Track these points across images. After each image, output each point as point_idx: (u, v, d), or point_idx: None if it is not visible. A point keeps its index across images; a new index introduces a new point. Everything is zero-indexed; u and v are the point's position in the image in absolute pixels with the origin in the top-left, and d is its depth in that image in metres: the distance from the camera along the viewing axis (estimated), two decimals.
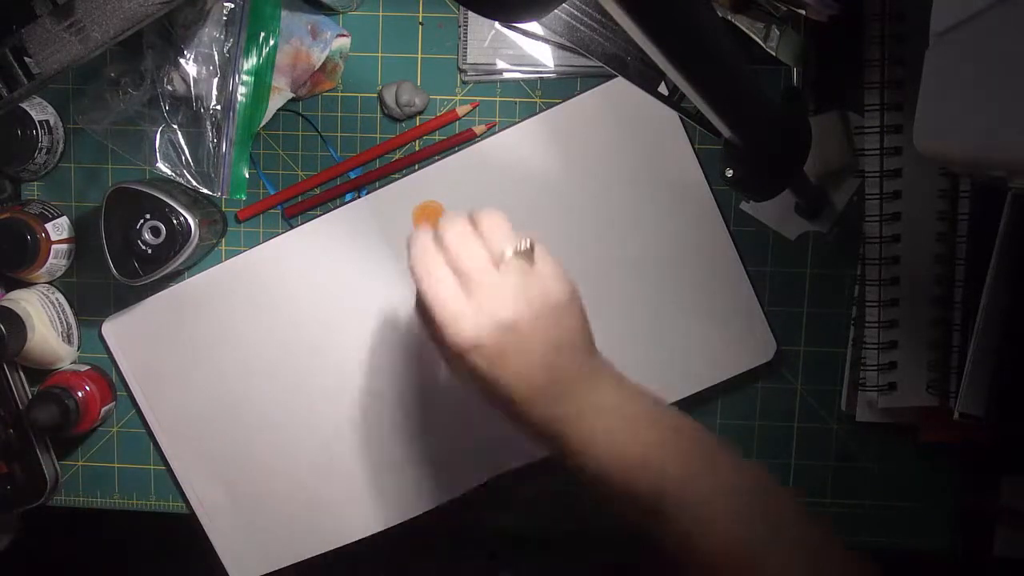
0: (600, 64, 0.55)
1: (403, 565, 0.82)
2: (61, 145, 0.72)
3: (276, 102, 0.70)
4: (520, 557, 0.80)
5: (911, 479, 0.70)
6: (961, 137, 0.47)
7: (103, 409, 0.72)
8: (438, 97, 0.70)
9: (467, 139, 0.70)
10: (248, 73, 0.68)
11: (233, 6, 0.68)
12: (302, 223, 0.71)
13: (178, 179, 0.68)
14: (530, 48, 0.69)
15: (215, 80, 0.68)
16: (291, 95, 0.70)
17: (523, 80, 0.70)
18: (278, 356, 0.71)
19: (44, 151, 0.70)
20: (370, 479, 0.71)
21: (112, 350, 0.73)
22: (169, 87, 0.68)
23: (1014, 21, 0.44)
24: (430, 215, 0.69)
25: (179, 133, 0.69)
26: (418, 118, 0.71)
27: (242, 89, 0.68)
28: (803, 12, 0.61)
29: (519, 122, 0.69)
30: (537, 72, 0.69)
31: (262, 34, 0.68)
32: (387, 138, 0.71)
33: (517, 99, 0.70)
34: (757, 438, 0.71)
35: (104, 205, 0.66)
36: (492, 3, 0.34)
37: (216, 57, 0.68)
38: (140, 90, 0.68)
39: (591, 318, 0.57)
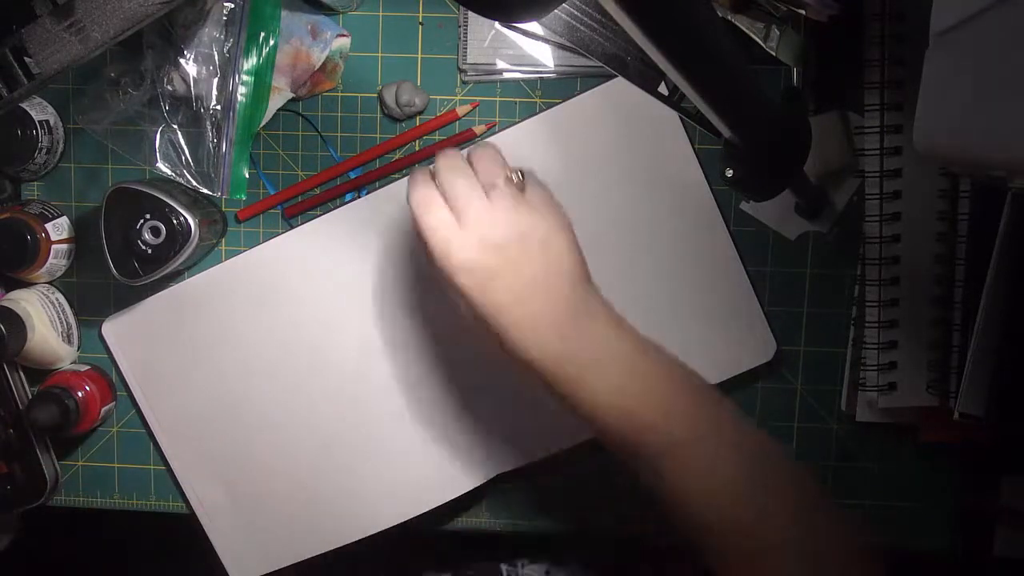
0: (600, 64, 0.55)
1: (403, 565, 0.82)
2: (61, 145, 0.72)
3: (276, 102, 0.70)
4: (521, 557, 0.80)
5: (911, 479, 0.70)
6: (961, 137, 0.47)
7: (103, 409, 0.72)
8: (438, 97, 0.70)
9: (467, 139, 0.70)
10: (248, 73, 0.68)
11: (233, 6, 0.68)
12: (302, 223, 0.71)
13: (178, 179, 0.68)
14: (530, 48, 0.69)
15: (215, 80, 0.68)
16: (291, 95, 0.70)
17: (523, 80, 0.70)
18: (278, 356, 0.71)
19: (44, 151, 0.70)
20: (370, 479, 0.71)
21: (112, 350, 0.73)
22: (169, 87, 0.68)
23: (1014, 21, 0.44)
24: None
25: (179, 133, 0.69)
26: (418, 118, 0.71)
27: (242, 89, 0.68)
28: (803, 12, 0.61)
29: (519, 122, 0.69)
30: (537, 72, 0.69)
31: (262, 34, 0.68)
32: (387, 138, 0.71)
33: (517, 99, 0.70)
34: None
35: (104, 205, 0.66)
36: (492, 3, 0.34)
37: (216, 57, 0.68)
38: (140, 90, 0.68)
39: None
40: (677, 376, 0.57)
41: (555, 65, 0.69)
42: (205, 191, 0.68)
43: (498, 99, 0.70)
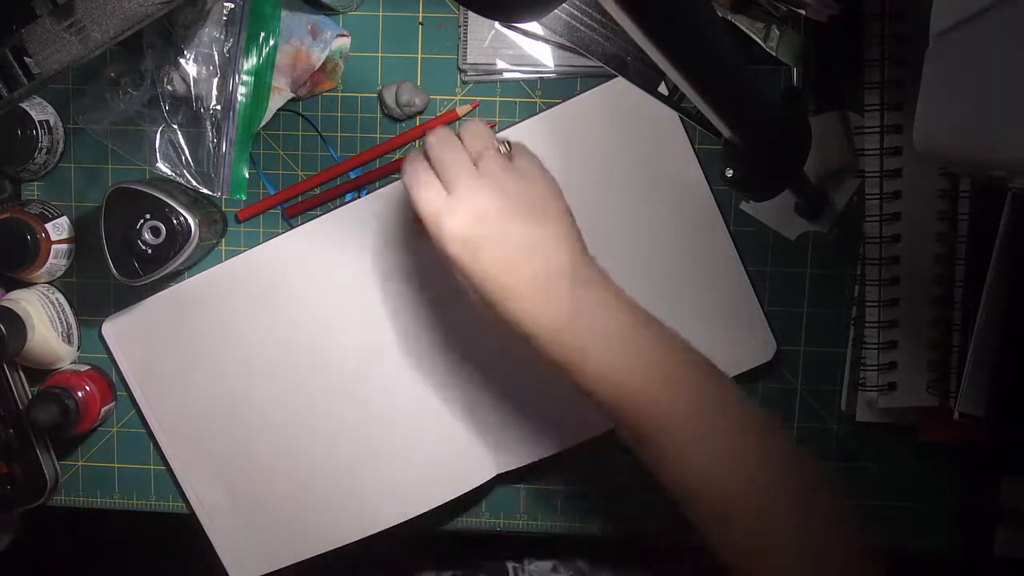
0: (600, 64, 0.55)
1: (403, 565, 0.82)
2: (61, 145, 0.72)
3: (276, 102, 0.70)
4: (527, 556, 0.80)
5: (911, 479, 0.70)
6: (961, 137, 0.47)
7: (103, 409, 0.72)
8: (438, 97, 0.70)
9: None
10: (248, 73, 0.68)
11: (233, 6, 0.68)
12: (302, 223, 0.71)
13: (178, 179, 0.68)
14: (530, 48, 0.69)
15: (215, 80, 0.68)
16: (291, 95, 0.70)
17: (523, 80, 0.70)
18: (278, 356, 0.71)
19: (44, 151, 0.70)
20: (370, 479, 0.71)
21: (112, 350, 0.73)
22: (169, 87, 0.68)
23: (1014, 21, 0.44)
24: None
25: (179, 133, 0.69)
26: (418, 118, 0.71)
27: (242, 89, 0.68)
28: (803, 12, 0.61)
29: (519, 122, 0.69)
30: (537, 72, 0.69)
31: (262, 34, 0.68)
32: (387, 138, 0.71)
33: (517, 99, 0.70)
34: None
35: (104, 205, 0.66)
36: (492, 3, 0.34)
37: (216, 57, 0.68)
38: (140, 90, 0.68)
39: None
40: (679, 351, 0.57)
41: (555, 65, 0.69)
42: (205, 191, 0.68)
43: (498, 99, 0.70)
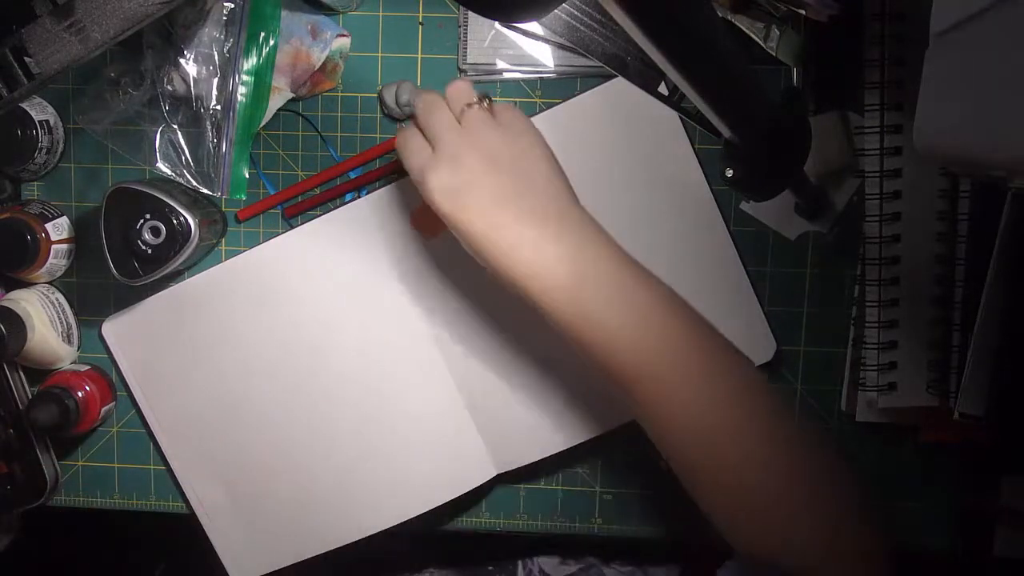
0: (600, 64, 0.55)
1: (403, 565, 0.82)
2: (61, 145, 0.72)
3: (276, 102, 0.70)
4: (537, 554, 0.80)
5: (911, 479, 0.70)
6: (961, 137, 0.47)
7: (103, 409, 0.72)
8: None
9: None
10: (248, 73, 0.68)
11: (233, 6, 0.68)
12: (302, 223, 0.71)
13: (178, 179, 0.68)
14: (530, 48, 0.69)
15: (215, 80, 0.68)
16: (291, 95, 0.70)
17: (523, 80, 0.70)
18: (278, 356, 0.71)
19: (44, 151, 0.70)
20: (370, 479, 0.71)
21: (112, 350, 0.73)
22: (169, 87, 0.68)
23: (1014, 21, 0.44)
24: (429, 216, 0.69)
25: (179, 133, 0.69)
26: None
27: (242, 89, 0.68)
28: (803, 12, 0.61)
29: None
30: (537, 72, 0.69)
31: (262, 34, 0.68)
32: (387, 138, 0.71)
33: (517, 99, 0.70)
34: None
35: (104, 205, 0.66)
36: (492, 3, 0.34)
37: (216, 57, 0.68)
38: (140, 90, 0.68)
39: None
40: (665, 297, 0.57)
41: (555, 65, 0.69)
42: (205, 191, 0.68)
43: (498, 99, 0.70)
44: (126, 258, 0.66)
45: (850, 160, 0.67)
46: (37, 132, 0.69)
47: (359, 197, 0.71)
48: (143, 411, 0.73)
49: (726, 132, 0.51)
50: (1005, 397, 0.60)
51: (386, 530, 0.71)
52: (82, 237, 0.72)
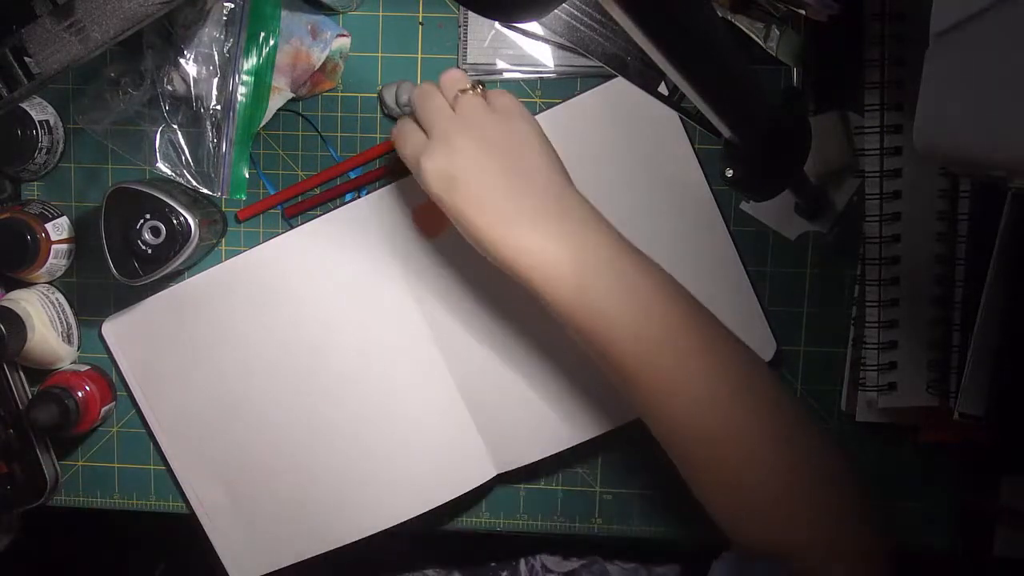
0: (600, 64, 0.55)
1: (403, 565, 0.82)
2: (61, 145, 0.72)
3: (276, 102, 0.70)
4: (538, 552, 0.80)
5: (911, 479, 0.70)
6: (961, 137, 0.47)
7: (103, 409, 0.72)
8: None
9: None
10: (248, 73, 0.68)
11: (233, 6, 0.68)
12: (302, 223, 0.71)
13: (178, 179, 0.68)
14: (530, 48, 0.69)
15: (215, 80, 0.68)
16: (291, 95, 0.70)
17: (523, 80, 0.70)
18: (278, 356, 0.71)
19: (44, 151, 0.70)
20: (370, 479, 0.71)
21: (112, 350, 0.73)
22: (169, 87, 0.68)
23: (1014, 21, 0.44)
24: (430, 215, 0.69)
25: (179, 133, 0.69)
26: None
27: (242, 89, 0.68)
28: (803, 12, 0.61)
29: None
30: (537, 72, 0.69)
31: (262, 34, 0.68)
32: (387, 138, 0.71)
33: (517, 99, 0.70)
34: None
35: (104, 205, 0.66)
36: (492, 3, 0.34)
37: (216, 57, 0.68)
38: (140, 90, 0.68)
39: None
40: (666, 285, 0.57)
41: (555, 65, 0.69)
42: (205, 191, 0.68)
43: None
44: (126, 258, 0.66)
45: (850, 160, 0.67)
46: (37, 132, 0.69)
47: (359, 197, 0.71)
48: (143, 411, 0.73)
49: (726, 132, 0.51)
50: (1005, 397, 0.60)
51: (386, 530, 0.71)
52: (82, 237, 0.72)
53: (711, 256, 0.69)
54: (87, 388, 0.70)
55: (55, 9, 0.51)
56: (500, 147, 0.58)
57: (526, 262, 0.56)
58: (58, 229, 0.70)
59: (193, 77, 0.68)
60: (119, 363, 0.73)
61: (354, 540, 0.72)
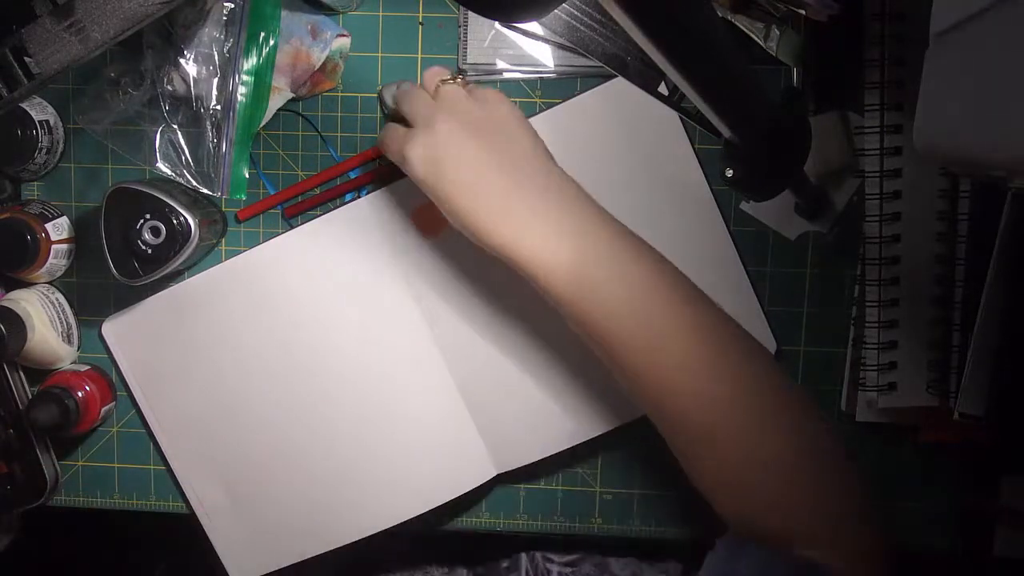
0: (600, 64, 0.55)
1: (404, 565, 0.82)
2: (61, 145, 0.72)
3: (276, 102, 0.70)
4: (538, 548, 0.80)
5: (911, 479, 0.70)
6: (961, 137, 0.47)
7: (103, 409, 0.72)
8: None
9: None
10: (248, 73, 0.68)
11: (233, 6, 0.68)
12: (302, 223, 0.71)
13: (178, 179, 0.68)
14: (530, 48, 0.69)
15: (215, 80, 0.68)
16: (291, 95, 0.70)
17: (523, 80, 0.70)
18: (278, 356, 0.71)
19: (44, 151, 0.70)
20: (370, 479, 0.71)
21: (112, 350, 0.73)
22: (169, 87, 0.68)
23: (1014, 21, 0.44)
24: (429, 215, 0.69)
25: (179, 133, 0.69)
26: None
27: (242, 89, 0.68)
28: (803, 12, 0.61)
29: None
30: (537, 72, 0.69)
31: (262, 34, 0.68)
32: None
33: (517, 99, 0.70)
34: None
35: (104, 205, 0.66)
36: (492, 3, 0.34)
37: (216, 57, 0.68)
38: (140, 90, 0.68)
39: None
40: (668, 274, 0.57)
41: (555, 65, 0.69)
42: (205, 191, 0.68)
43: None
44: (126, 258, 0.66)
45: (850, 160, 0.67)
46: (37, 132, 0.69)
47: (359, 197, 0.71)
48: (143, 411, 0.73)
49: (726, 132, 0.51)
50: (1005, 397, 0.60)
51: (386, 530, 0.71)
52: (82, 237, 0.72)
53: (711, 256, 0.69)
54: (87, 388, 0.70)
55: (55, 9, 0.51)
56: (483, 129, 0.58)
57: (523, 253, 0.56)
58: (58, 229, 0.70)
59: (193, 77, 0.68)
60: (119, 363, 0.73)
61: (354, 540, 0.72)
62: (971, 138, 0.46)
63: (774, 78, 0.68)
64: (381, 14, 0.70)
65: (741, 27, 0.62)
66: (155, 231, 0.66)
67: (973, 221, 0.62)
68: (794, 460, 0.55)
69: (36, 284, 0.72)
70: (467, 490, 0.70)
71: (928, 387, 0.64)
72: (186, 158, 0.68)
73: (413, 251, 0.70)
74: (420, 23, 0.70)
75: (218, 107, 0.68)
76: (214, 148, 0.69)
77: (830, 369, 0.70)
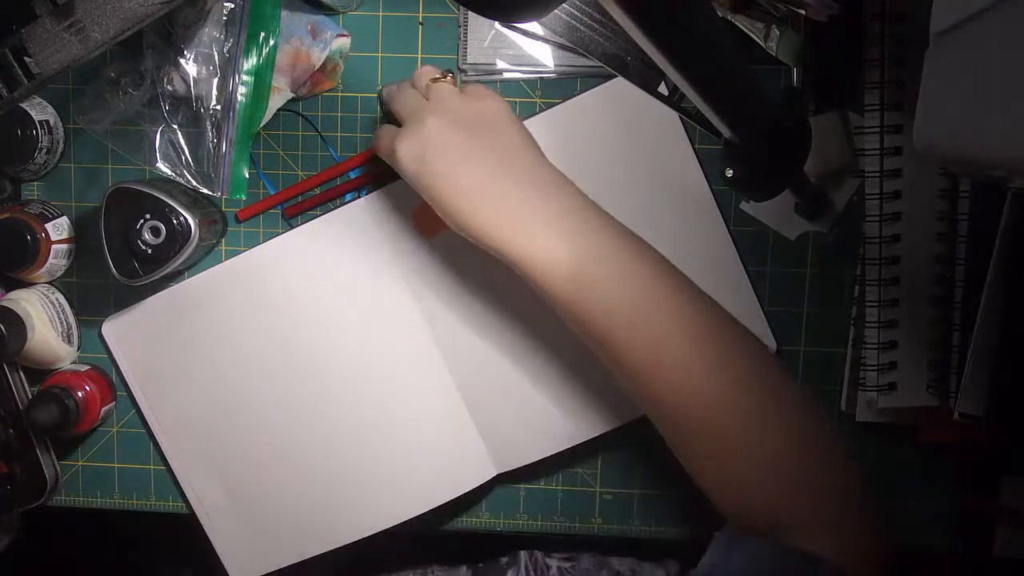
0: (600, 64, 0.55)
1: (404, 565, 0.82)
2: (61, 145, 0.72)
3: (276, 102, 0.70)
4: (538, 547, 0.80)
5: (911, 479, 0.70)
6: (961, 137, 0.47)
7: (103, 409, 0.72)
8: None
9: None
10: (248, 73, 0.68)
11: (233, 6, 0.68)
12: (302, 223, 0.71)
13: (178, 179, 0.68)
14: (530, 48, 0.69)
15: (215, 80, 0.68)
16: (291, 95, 0.70)
17: (523, 80, 0.70)
18: (278, 356, 0.71)
19: (44, 151, 0.70)
20: (370, 479, 0.71)
21: (112, 350, 0.73)
22: (169, 87, 0.68)
23: (1014, 21, 0.44)
24: (429, 215, 0.69)
25: (179, 133, 0.69)
26: None
27: (242, 89, 0.68)
28: (803, 12, 0.61)
29: None
30: (537, 72, 0.69)
31: (262, 34, 0.68)
32: None
33: (517, 99, 0.70)
34: None
35: (104, 205, 0.66)
36: (492, 3, 0.34)
37: (216, 57, 0.68)
38: (140, 90, 0.68)
39: None
40: (667, 273, 0.57)
41: (555, 65, 0.69)
42: (205, 191, 0.68)
43: None
44: (126, 258, 0.66)
45: (850, 160, 0.67)
46: (37, 132, 0.69)
47: (359, 197, 0.71)
48: (143, 411, 0.73)
49: (726, 132, 0.51)
50: (1005, 397, 0.60)
51: (386, 530, 0.71)
52: (82, 237, 0.72)
53: (711, 256, 0.69)
54: (87, 388, 0.70)
55: (55, 9, 0.51)
56: (470, 125, 0.59)
57: (520, 251, 0.56)
58: (58, 229, 0.70)
59: (193, 77, 0.68)
60: (119, 363, 0.73)
61: (354, 540, 0.72)
62: (971, 138, 0.46)
63: (774, 78, 0.68)
64: (381, 14, 0.70)
65: (741, 27, 0.62)
66: (155, 231, 0.66)
67: (973, 221, 0.62)
68: (795, 459, 0.55)
69: (36, 284, 0.72)
70: (467, 490, 0.70)
71: (928, 387, 0.64)
72: (186, 158, 0.68)
73: (413, 251, 0.70)
74: (420, 23, 0.70)
75: (218, 107, 0.68)
76: (214, 148, 0.69)
77: (830, 369, 0.70)
